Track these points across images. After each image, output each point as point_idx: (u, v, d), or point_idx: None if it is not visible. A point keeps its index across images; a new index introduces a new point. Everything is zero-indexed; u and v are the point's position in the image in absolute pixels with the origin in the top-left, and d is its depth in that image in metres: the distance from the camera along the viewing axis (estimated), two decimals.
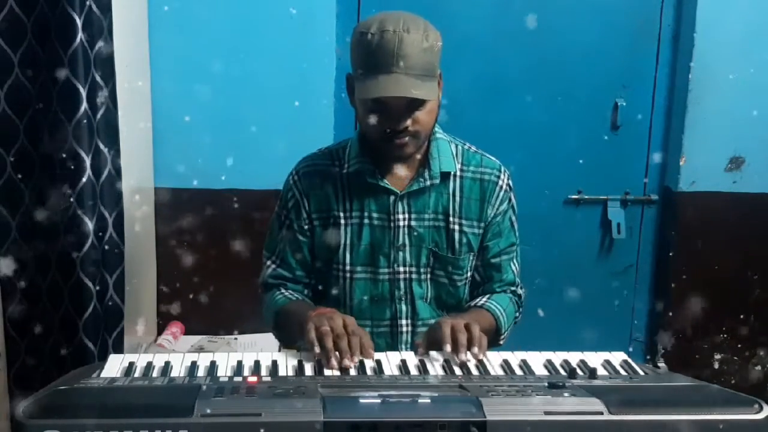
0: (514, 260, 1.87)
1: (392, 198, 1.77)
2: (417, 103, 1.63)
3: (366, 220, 1.78)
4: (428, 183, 1.76)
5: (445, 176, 1.77)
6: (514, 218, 1.85)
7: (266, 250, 1.88)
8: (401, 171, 1.77)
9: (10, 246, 2.18)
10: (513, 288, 1.86)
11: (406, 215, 1.77)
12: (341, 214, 1.78)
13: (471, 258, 1.82)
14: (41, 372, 2.24)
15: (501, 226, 1.82)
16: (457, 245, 1.79)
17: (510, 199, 1.83)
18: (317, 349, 1.49)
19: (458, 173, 1.79)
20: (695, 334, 2.97)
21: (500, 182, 1.80)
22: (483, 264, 1.84)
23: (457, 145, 1.82)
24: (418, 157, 1.76)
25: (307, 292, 1.86)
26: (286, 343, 1.87)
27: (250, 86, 2.69)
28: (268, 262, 1.86)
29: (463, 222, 1.79)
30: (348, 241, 1.78)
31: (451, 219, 1.78)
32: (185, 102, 2.68)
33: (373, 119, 1.68)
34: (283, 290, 1.83)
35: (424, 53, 1.61)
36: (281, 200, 1.85)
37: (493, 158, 1.83)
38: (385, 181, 1.76)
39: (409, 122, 1.65)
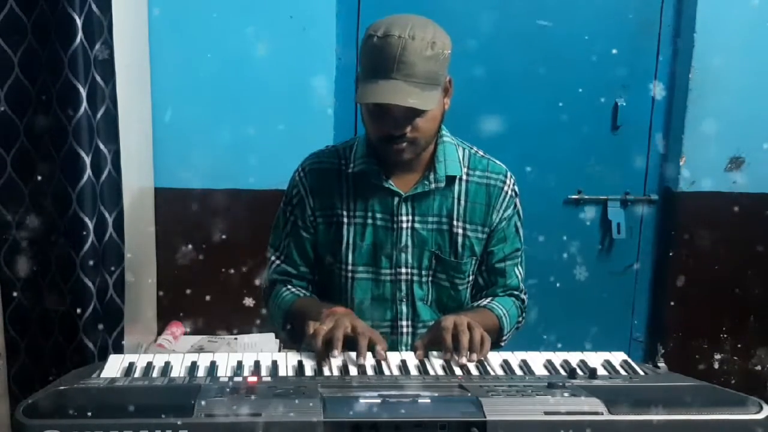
0: (519, 266, 1.86)
1: (396, 199, 1.77)
2: (417, 111, 1.62)
3: (369, 221, 1.78)
4: (433, 186, 1.76)
5: (450, 180, 1.77)
6: (519, 224, 1.85)
7: (271, 246, 1.87)
8: (407, 173, 1.77)
9: (10, 245, 2.19)
10: (517, 293, 1.86)
11: (410, 217, 1.77)
12: (345, 213, 1.78)
13: (473, 262, 1.81)
14: (41, 372, 2.24)
15: (506, 232, 1.81)
16: (459, 249, 1.78)
17: (515, 205, 1.83)
18: (318, 347, 1.51)
19: (464, 177, 1.79)
20: (695, 334, 2.96)
21: (506, 187, 1.80)
22: (487, 269, 1.84)
23: (464, 149, 1.81)
24: (424, 159, 1.76)
25: (311, 288, 1.86)
26: (293, 340, 1.86)
27: (250, 86, 2.69)
28: (273, 258, 1.86)
29: (467, 226, 1.79)
30: (351, 241, 1.78)
31: (454, 223, 1.78)
32: (185, 102, 2.68)
33: (372, 123, 1.68)
34: (289, 286, 1.83)
35: (427, 61, 1.59)
36: (286, 196, 1.85)
37: (499, 163, 1.83)
38: (390, 182, 1.76)
39: (408, 129, 1.64)
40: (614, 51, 2.83)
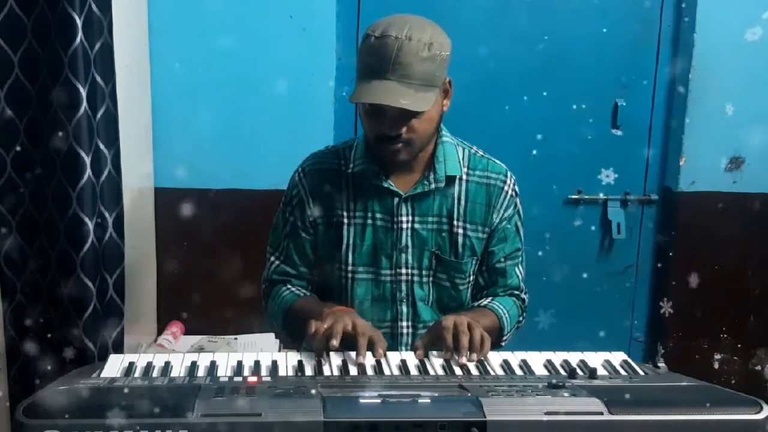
0: (519, 265, 1.86)
1: (396, 200, 1.77)
2: (412, 112, 1.62)
3: (369, 221, 1.78)
4: (433, 186, 1.76)
5: (450, 180, 1.77)
6: (519, 223, 1.85)
7: (270, 246, 1.88)
8: (406, 173, 1.77)
9: (10, 245, 2.18)
10: (517, 293, 1.86)
11: (410, 217, 1.77)
12: (345, 214, 1.78)
13: (474, 262, 1.81)
14: (41, 372, 2.24)
15: (506, 232, 1.81)
16: (460, 249, 1.78)
17: (516, 205, 1.83)
18: (319, 344, 1.51)
19: (464, 177, 1.79)
20: (695, 334, 2.96)
21: (506, 187, 1.80)
22: (488, 269, 1.84)
23: (464, 149, 1.81)
24: (424, 159, 1.76)
25: (310, 288, 1.86)
26: (294, 338, 1.86)
27: (250, 86, 2.69)
28: (272, 258, 1.86)
29: (468, 226, 1.78)
30: (351, 241, 1.78)
31: (455, 223, 1.78)
32: (185, 102, 2.68)
33: (368, 123, 1.68)
34: (289, 286, 1.83)
35: (423, 62, 1.59)
36: (286, 196, 1.85)
37: (499, 163, 1.83)
38: (390, 182, 1.76)
39: (403, 130, 1.64)
40: (614, 51, 2.84)
